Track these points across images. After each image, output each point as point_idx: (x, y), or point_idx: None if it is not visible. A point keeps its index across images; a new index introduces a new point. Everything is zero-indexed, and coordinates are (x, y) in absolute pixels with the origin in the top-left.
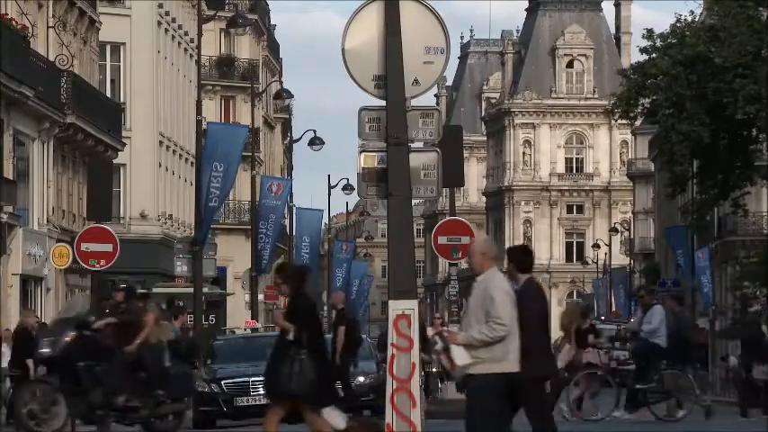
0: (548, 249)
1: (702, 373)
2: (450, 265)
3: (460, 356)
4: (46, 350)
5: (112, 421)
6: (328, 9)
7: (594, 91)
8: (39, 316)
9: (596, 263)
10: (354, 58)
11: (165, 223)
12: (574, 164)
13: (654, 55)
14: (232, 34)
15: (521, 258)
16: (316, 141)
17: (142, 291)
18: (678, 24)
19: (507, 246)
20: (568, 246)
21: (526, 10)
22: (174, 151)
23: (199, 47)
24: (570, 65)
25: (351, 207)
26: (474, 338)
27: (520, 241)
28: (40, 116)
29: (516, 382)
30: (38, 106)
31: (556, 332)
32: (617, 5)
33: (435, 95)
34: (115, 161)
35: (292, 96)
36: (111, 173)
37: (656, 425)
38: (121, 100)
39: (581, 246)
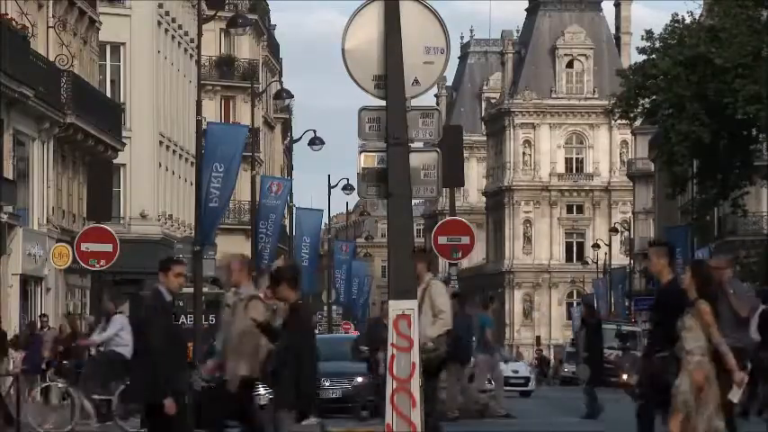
0: (548, 249)
1: None
2: (451, 265)
3: None
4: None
5: None
6: (328, 9)
7: (594, 91)
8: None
9: (596, 263)
10: (354, 58)
11: (165, 223)
12: (574, 164)
13: (653, 56)
14: (232, 34)
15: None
16: (316, 141)
17: None
18: (676, 25)
19: (507, 244)
20: (568, 246)
21: (526, 10)
22: (174, 151)
23: (199, 47)
24: (570, 65)
25: (351, 207)
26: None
27: (520, 241)
28: (40, 116)
29: None
30: (38, 106)
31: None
32: (617, 5)
33: (435, 95)
34: (115, 161)
35: (292, 96)
36: (111, 173)
37: None
38: (121, 100)
39: (581, 246)
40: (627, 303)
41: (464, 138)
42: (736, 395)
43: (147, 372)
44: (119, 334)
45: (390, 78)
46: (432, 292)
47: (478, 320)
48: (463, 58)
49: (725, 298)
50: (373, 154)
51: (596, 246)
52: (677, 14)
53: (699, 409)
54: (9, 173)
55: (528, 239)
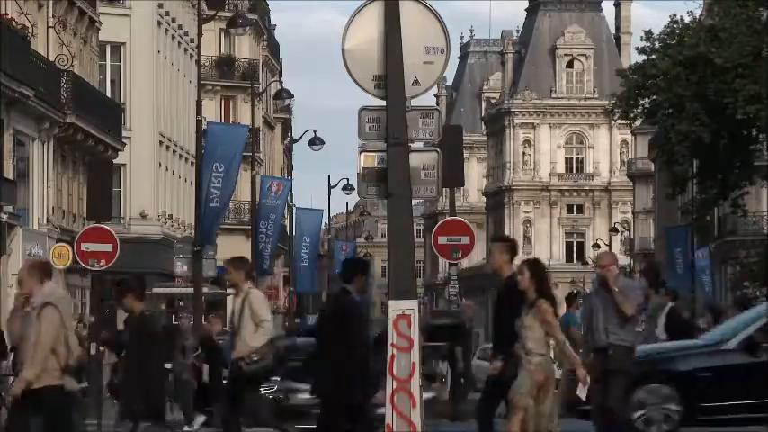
0: (548, 249)
1: None
2: (450, 265)
3: None
4: None
5: None
6: (328, 9)
7: (594, 91)
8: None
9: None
10: (354, 58)
11: (165, 223)
12: (574, 164)
13: (653, 56)
14: (232, 34)
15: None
16: (316, 141)
17: None
18: (675, 25)
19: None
20: (568, 246)
21: (526, 10)
22: (174, 151)
23: (199, 47)
24: (570, 65)
25: (351, 207)
26: None
27: (520, 241)
28: (40, 116)
29: None
30: (38, 106)
31: None
32: (617, 5)
33: (435, 95)
34: (115, 161)
35: (292, 96)
36: (111, 173)
37: None
38: (121, 100)
39: (581, 246)
40: None
41: (464, 138)
42: (582, 392)
43: (351, 372)
44: None
45: (390, 78)
46: (251, 301)
47: (563, 320)
48: (463, 58)
49: (610, 296)
50: (373, 154)
51: (596, 246)
52: (675, 15)
53: (537, 409)
54: (9, 173)
55: (528, 239)
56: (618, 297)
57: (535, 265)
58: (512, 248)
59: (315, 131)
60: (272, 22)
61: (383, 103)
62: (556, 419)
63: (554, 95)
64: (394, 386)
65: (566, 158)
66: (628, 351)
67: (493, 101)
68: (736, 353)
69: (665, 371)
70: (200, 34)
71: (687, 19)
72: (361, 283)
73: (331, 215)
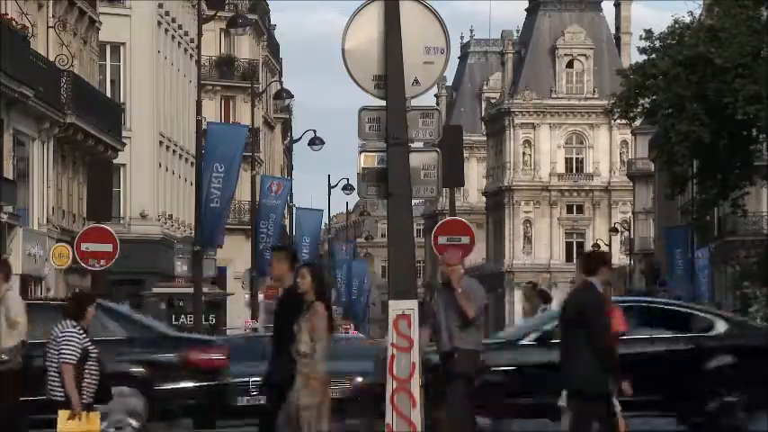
0: (548, 249)
1: None
2: None
3: None
4: None
5: None
6: (328, 9)
7: (594, 91)
8: None
9: None
10: (354, 58)
11: (165, 223)
12: (574, 164)
13: (653, 55)
14: (232, 34)
15: None
16: (316, 141)
17: None
18: (676, 26)
19: (507, 244)
20: (568, 246)
21: (526, 10)
22: (174, 151)
23: (199, 47)
24: (570, 65)
25: (351, 207)
26: None
27: (520, 241)
28: (40, 116)
29: None
30: (38, 106)
31: None
32: (617, 5)
33: (435, 95)
34: (115, 161)
35: (292, 96)
36: (111, 173)
37: None
38: (121, 100)
39: (581, 246)
40: None
41: (464, 138)
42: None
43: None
44: None
45: (390, 78)
46: (8, 302)
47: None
48: (463, 58)
49: (453, 297)
50: (373, 154)
51: (596, 246)
52: (676, 14)
53: (313, 413)
54: (9, 173)
55: (528, 239)
56: (460, 298)
57: (315, 269)
58: (292, 256)
59: (315, 131)
60: (272, 22)
61: (383, 103)
62: (324, 424)
63: (554, 95)
64: (394, 386)
65: (566, 158)
66: (472, 355)
67: (493, 101)
68: (530, 348)
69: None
70: (200, 34)
71: (687, 19)
72: (605, 276)
73: (331, 215)
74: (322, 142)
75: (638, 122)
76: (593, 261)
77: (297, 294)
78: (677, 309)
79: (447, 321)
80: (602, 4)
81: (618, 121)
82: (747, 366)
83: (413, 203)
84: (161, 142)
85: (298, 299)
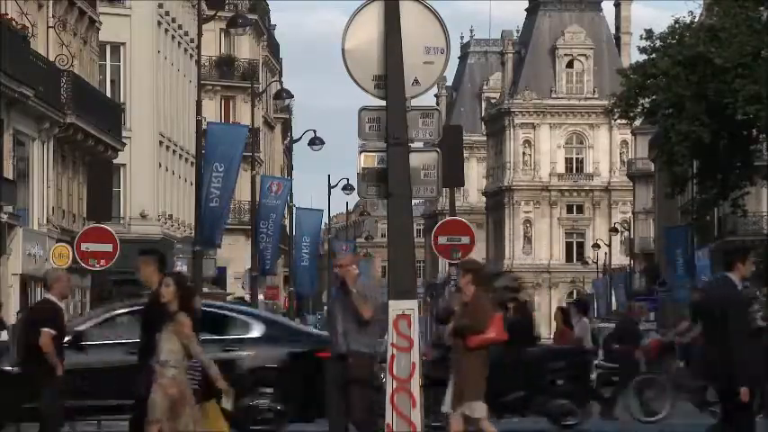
0: (548, 249)
1: None
2: (450, 265)
3: None
4: None
5: None
6: (329, 9)
7: (594, 91)
8: None
9: (596, 263)
10: (354, 58)
11: (165, 223)
12: (574, 164)
13: (653, 55)
14: (232, 34)
15: None
16: (316, 141)
17: None
18: (676, 26)
19: (507, 244)
20: (568, 246)
21: (526, 10)
22: (174, 151)
23: (199, 47)
24: (570, 65)
25: (351, 207)
26: None
27: (520, 241)
28: (40, 116)
29: None
30: (38, 106)
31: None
32: (617, 5)
33: (435, 95)
34: (115, 161)
35: (292, 96)
36: (111, 173)
37: None
38: (121, 100)
39: (581, 246)
40: (627, 303)
41: (464, 138)
42: (227, 403)
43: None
44: None
45: (390, 78)
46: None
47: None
48: (463, 58)
49: (348, 298)
50: (373, 154)
51: (596, 246)
52: (676, 14)
53: (173, 423)
54: (9, 173)
55: (528, 239)
56: (356, 300)
57: (180, 278)
58: (160, 260)
59: (315, 131)
60: (272, 22)
61: (383, 103)
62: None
63: (554, 95)
64: (394, 386)
65: (566, 158)
66: (368, 359)
67: (493, 101)
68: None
69: None
70: (200, 34)
71: (687, 19)
72: (744, 271)
73: (331, 215)
74: (322, 142)
75: (638, 122)
76: (731, 256)
77: (160, 304)
78: (215, 311)
79: (344, 324)
80: (602, 4)
81: (618, 121)
82: (282, 372)
83: (413, 203)
84: (161, 142)
85: (161, 308)
